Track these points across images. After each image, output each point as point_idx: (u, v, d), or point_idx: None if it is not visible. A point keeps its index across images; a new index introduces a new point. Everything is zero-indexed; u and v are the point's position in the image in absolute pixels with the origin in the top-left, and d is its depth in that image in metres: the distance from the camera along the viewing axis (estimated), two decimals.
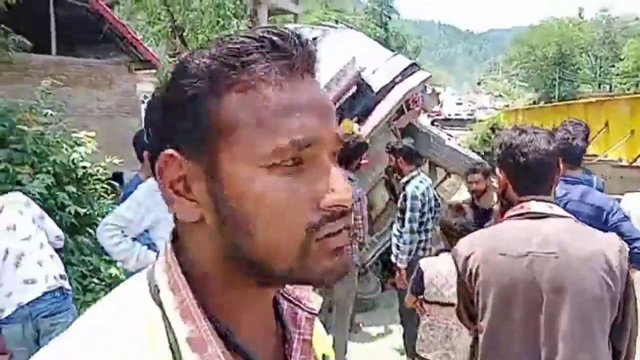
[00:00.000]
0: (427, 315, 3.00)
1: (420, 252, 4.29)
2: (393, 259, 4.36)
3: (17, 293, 2.80)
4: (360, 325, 5.17)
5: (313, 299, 0.66)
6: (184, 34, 13.47)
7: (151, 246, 2.67)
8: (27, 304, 2.80)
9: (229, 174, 0.52)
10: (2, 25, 4.49)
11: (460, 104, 43.93)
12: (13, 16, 5.92)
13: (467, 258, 1.60)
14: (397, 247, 4.28)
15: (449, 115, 31.77)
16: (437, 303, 2.91)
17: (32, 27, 7.54)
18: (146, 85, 10.74)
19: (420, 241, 4.28)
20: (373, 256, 5.70)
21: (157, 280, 0.55)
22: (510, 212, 1.61)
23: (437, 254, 3.06)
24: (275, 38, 0.53)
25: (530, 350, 1.49)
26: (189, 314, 0.53)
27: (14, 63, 5.01)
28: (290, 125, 0.52)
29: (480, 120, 24.94)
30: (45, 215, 3.21)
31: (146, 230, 2.66)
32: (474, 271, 1.57)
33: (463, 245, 1.67)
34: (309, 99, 0.53)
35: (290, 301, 0.65)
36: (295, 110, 0.52)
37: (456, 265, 1.66)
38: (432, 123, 6.52)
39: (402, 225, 4.24)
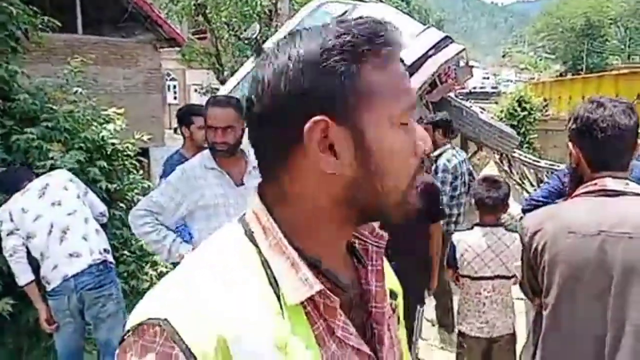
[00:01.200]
0: (462, 289, 2.99)
1: (452, 226, 4.24)
2: None
3: (62, 266, 2.84)
4: None
5: (379, 233, 0.74)
6: (207, 11, 13.38)
7: (186, 238, 2.57)
8: (72, 276, 2.83)
9: (371, 133, 0.62)
10: (30, 6, 4.45)
11: (487, 78, 43.10)
12: None
13: (535, 234, 1.52)
14: None
15: (474, 88, 31.18)
16: (468, 277, 2.88)
17: (58, 7, 7.55)
18: (170, 63, 10.74)
19: (451, 215, 4.23)
20: None
21: (249, 225, 0.66)
22: (582, 189, 1.52)
23: (471, 228, 3.01)
24: (389, 28, 0.65)
25: (595, 332, 1.42)
26: (280, 249, 0.63)
27: (42, 43, 4.99)
28: (407, 93, 0.65)
29: (505, 93, 24.46)
30: (89, 191, 3.24)
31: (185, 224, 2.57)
32: (540, 248, 1.50)
33: (531, 220, 1.59)
34: (404, 72, 0.66)
35: (358, 238, 0.73)
36: (404, 82, 0.65)
37: (522, 240, 1.58)
38: (456, 96, 6.39)
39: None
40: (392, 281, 0.80)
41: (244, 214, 0.69)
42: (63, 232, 2.88)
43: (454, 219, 4.25)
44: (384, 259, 0.76)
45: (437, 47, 5.17)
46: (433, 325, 4.62)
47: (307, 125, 0.60)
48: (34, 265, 2.93)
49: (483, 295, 2.83)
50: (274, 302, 0.60)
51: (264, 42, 10.35)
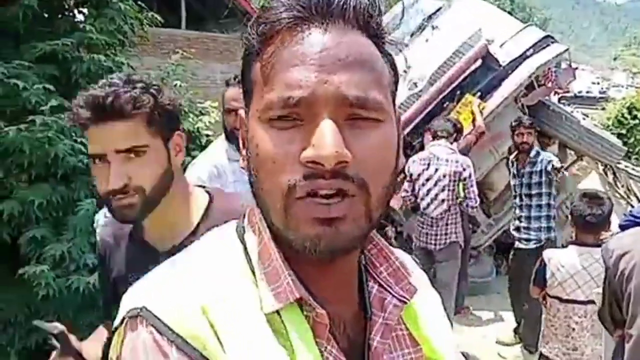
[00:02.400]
0: (549, 310, 2.80)
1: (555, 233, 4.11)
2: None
3: None
4: (470, 308, 4.98)
5: (409, 285, 0.62)
6: None
7: None
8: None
9: (249, 129, 0.56)
10: (138, 2, 4.75)
11: (598, 82, 40.26)
12: None
13: (621, 257, 1.39)
14: (527, 227, 4.09)
15: (579, 92, 29.21)
16: (558, 299, 2.69)
17: (163, 3, 8.00)
18: None
19: (553, 218, 4.14)
20: (489, 239, 5.42)
21: (244, 222, 0.61)
22: None
23: (566, 246, 2.81)
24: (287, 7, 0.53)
25: None
26: (267, 251, 0.56)
27: (147, 37, 5.31)
28: (282, 80, 0.51)
29: (615, 99, 22.70)
30: None
31: None
32: (627, 272, 1.36)
33: (617, 241, 1.46)
34: (312, 51, 0.51)
35: (380, 285, 0.62)
36: (291, 65, 0.51)
37: (605, 263, 1.45)
38: (559, 100, 5.98)
39: (540, 204, 4.06)
40: (437, 349, 0.65)
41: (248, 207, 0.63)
42: None
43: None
44: (425, 318, 0.64)
45: (537, 47, 4.88)
46: (511, 344, 4.40)
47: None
48: None
49: (573, 319, 2.63)
50: (262, 304, 0.54)
51: None
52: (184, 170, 2.26)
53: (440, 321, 0.70)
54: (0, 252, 3.58)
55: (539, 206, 4.03)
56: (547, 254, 2.76)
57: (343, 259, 0.56)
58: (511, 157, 4.31)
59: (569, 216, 2.78)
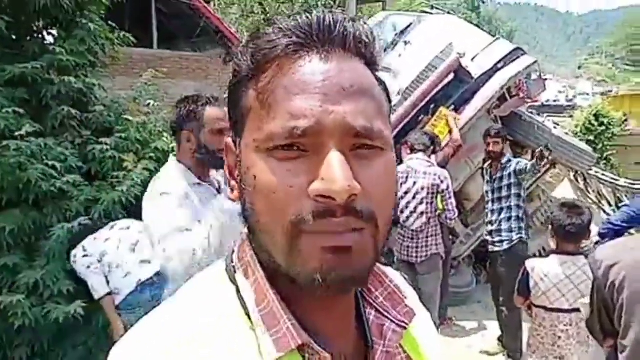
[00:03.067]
0: (534, 319, 2.81)
1: (526, 232, 4.18)
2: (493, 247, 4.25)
3: (134, 272, 2.93)
4: (454, 319, 5.00)
5: (407, 309, 0.60)
6: None
7: None
8: (146, 281, 2.94)
9: (242, 158, 0.53)
10: (109, 22, 4.69)
11: (563, 91, 41.36)
12: (118, 12, 6.25)
13: (611, 267, 1.39)
14: (499, 230, 4.14)
15: (547, 101, 29.93)
16: (543, 308, 2.71)
17: (136, 23, 7.94)
18: None
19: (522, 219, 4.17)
20: (468, 248, 5.46)
21: (234, 260, 0.57)
22: None
23: (547, 255, 2.83)
24: (291, 22, 0.52)
25: None
26: (262, 292, 0.53)
27: (118, 57, 5.24)
28: (286, 110, 0.49)
29: (581, 107, 23.30)
30: None
31: None
32: (617, 283, 1.37)
33: (606, 252, 1.46)
34: (315, 80, 0.50)
35: (377, 310, 0.61)
36: (294, 93, 0.49)
37: (594, 273, 1.45)
38: (527, 110, 6.10)
39: (510, 206, 4.12)
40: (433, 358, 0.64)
41: (236, 244, 0.59)
42: (133, 245, 2.98)
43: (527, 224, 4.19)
44: (420, 341, 0.63)
45: (507, 59, 4.98)
46: (496, 354, 4.42)
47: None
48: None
49: (559, 328, 2.65)
50: (256, 356, 0.50)
51: None
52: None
53: (434, 340, 0.68)
54: None
55: (509, 208, 4.11)
56: (530, 263, 2.78)
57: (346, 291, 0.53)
58: (485, 165, 4.38)
59: (549, 226, 2.81)
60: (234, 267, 0.56)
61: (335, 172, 0.47)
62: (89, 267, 3.02)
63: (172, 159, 2.11)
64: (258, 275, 0.54)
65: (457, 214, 4.08)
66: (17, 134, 3.39)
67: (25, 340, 3.39)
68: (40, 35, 4.44)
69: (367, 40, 0.53)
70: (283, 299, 0.52)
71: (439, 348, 0.69)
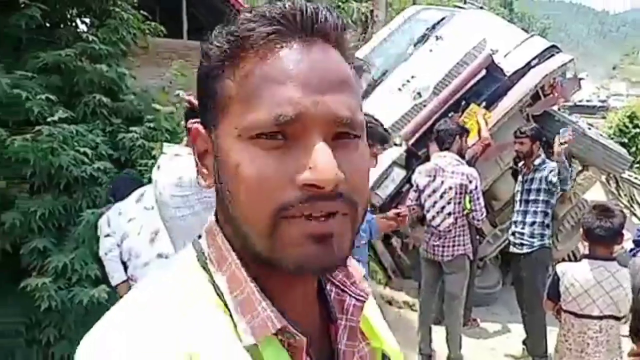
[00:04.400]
0: (563, 325, 2.74)
1: (550, 240, 4.10)
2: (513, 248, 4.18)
3: (153, 264, 2.95)
4: (478, 320, 4.93)
5: (362, 284, 0.63)
6: None
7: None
8: None
9: (220, 145, 0.53)
10: (141, 12, 4.73)
11: (598, 91, 40.45)
12: (150, 3, 6.32)
13: None
14: (521, 232, 4.05)
15: (579, 101, 29.26)
16: (573, 313, 2.64)
17: (166, 14, 8.01)
18: None
19: (547, 226, 4.08)
20: (495, 249, 5.37)
21: (203, 246, 0.57)
22: None
23: (579, 260, 2.76)
24: (271, 10, 0.52)
25: None
26: (237, 279, 0.53)
27: (149, 47, 5.30)
28: (272, 97, 0.49)
29: (615, 108, 22.73)
30: None
31: None
32: None
33: None
34: (298, 69, 0.50)
35: (336, 286, 0.62)
36: (279, 81, 0.50)
37: (633, 280, 1.40)
38: (559, 109, 5.94)
39: (536, 210, 4.02)
40: (387, 342, 0.67)
41: (199, 235, 0.59)
42: (153, 234, 2.99)
43: (552, 232, 4.08)
44: (372, 317, 0.66)
45: (542, 56, 4.85)
46: (520, 358, 4.35)
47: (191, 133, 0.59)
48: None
49: (588, 335, 2.57)
50: (241, 338, 0.51)
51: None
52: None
53: (380, 317, 0.71)
54: (2, 263, 3.54)
55: (535, 213, 4.02)
56: (561, 267, 2.71)
57: None
58: (520, 164, 4.31)
59: (580, 228, 2.74)
60: (203, 254, 0.56)
61: (323, 162, 0.48)
62: (107, 253, 3.03)
63: (188, 150, 2.05)
64: (232, 262, 0.54)
65: (484, 215, 4.00)
66: (49, 119, 3.45)
67: (52, 322, 3.46)
68: (73, 24, 4.51)
69: (341, 30, 0.54)
70: (253, 279, 0.53)
71: (384, 325, 0.71)
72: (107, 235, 3.06)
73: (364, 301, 0.61)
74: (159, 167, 2.18)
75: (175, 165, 2.03)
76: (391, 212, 2.98)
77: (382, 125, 2.72)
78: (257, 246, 0.51)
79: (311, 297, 0.60)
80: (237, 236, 0.54)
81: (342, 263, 0.54)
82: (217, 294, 0.53)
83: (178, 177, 1.96)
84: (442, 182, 3.89)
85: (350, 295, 0.61)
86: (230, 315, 0.51)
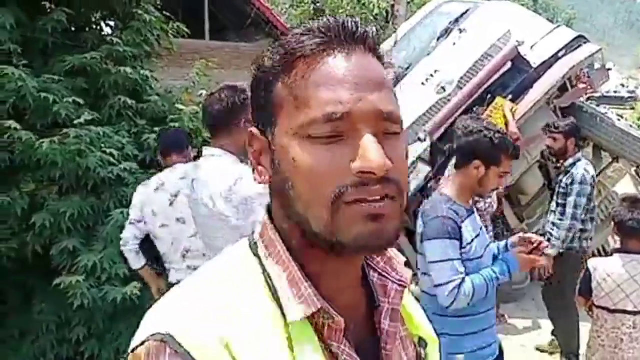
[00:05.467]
0: (596, 321, 2.68)
1: (584, 243, 3.90)
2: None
3: (172, 227, 2.92)
4: (506, 316, 4.85)
5: (403, 271, 0.69)
6: (325, 15, 13.60)
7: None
8: None
9: (278, 144, 0.60)
10: (164, 13, 4.77)
11: (626, 83, 39.45)
12: (172, 4, 6.38)
13: None
14: (550, 233, 3.91)
15: (607, 92, 28.59)
16: (606, 309, 2.57)
17: (189, 14, 8.07)
18: None
19: (581, 230, 3.86)
20: None
21: (256, 238, 0.65)
22: None
23: (611, 254, 2.69)
24: (318, 25, 0.60)
25: None
26: (284, 263, 0.60)
27: (172, 48, 5.33)
28: (323, 98, 0.57)
29: None
30: None
31: None
32: None
33: None
34: (345, 73, 0.57)
35: (379, 273, 0.69)
36: (327, 84, 0.57)
37: None
38: (586, 100, 5.80)
39: (564, 212, 3.83)
40: (424, 328, 0.75)
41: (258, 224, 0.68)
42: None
43: (583, 235, 3.88)
44: (410, 304, 0.72)
45: (569, 47, 4.74)
46: (551, 352, 4.26)
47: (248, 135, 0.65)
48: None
49: (622, 330, 2.51)
50: (278, 318, 0.58)
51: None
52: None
53: (412, 300, 0.77)
54: (33, 263, 3.61)
55: (562, 214, 3.86)
56: (592, 263, 2.64)
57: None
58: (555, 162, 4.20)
59: (612, 221, 2.67)
60: (256, 243, 0.64)
61: (372, 151, 0.56)
62: (125, 245, 3.03)
63: (222, 152, 2.10)
64: (280, 250, 0.61)
65: (494, 205, 3.91)
66: (76, 122, 3.50)
67: (82, 321, 3.52)
68: (98, 27, 4.56)
69: (378, 40, 0.63)
70: (302, 267, 0.60)
71: (421, 312, 0.77)
72: (133, 223, 3.03)
73: (405, 286, 0.68)
74: (197, 166, 2.24)
75: (220, 170, 2.06)
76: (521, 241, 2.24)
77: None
78: (318, 229, 0.58)
79: (356, 282, 0.66)
80: (298, 223, 0.60)
81: (393, 243, 0.60)
82: (265, 278, 0.61)
83: (228, 190, 1.98)
84: None
85: (392, 281, 0.68)
86: (275, 297, 0.59)
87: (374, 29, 0.63)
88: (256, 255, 0.63)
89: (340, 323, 0.59)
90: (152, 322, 0.57)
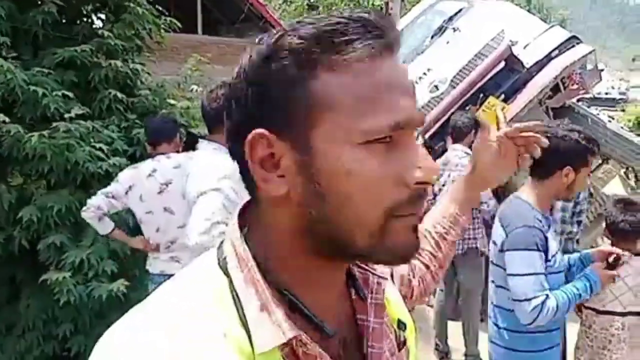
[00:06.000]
0: (584, 321, 2.69)
1: (569, 245, 3.90)
2: None
3: (158, 215, 2.92)
4: None
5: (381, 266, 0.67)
6: (319, 11, 13.58)
7: None
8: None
9: (321, 150, 0.53)
10: (156, 7, 4.72)
11: (619, 83, 39.67)
12: None
13: None
14: None
15: (598, 93, 28.77)
16: (594, 310, 2.57)
17: (181, 8, 8.01)
18: None
19: (569, 232, 3.87)
20: None
21: (225, 253, 0.58)
22: None
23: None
24: (372, 17, 0.54)
25: None
26: (254, 284, 0.55)
27: (164, 42, 5.29)
28: (388, 104, 0.53)
29: (635, 101, 22.34)
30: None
31: None
32: None
33: None
34: (403, 80, 0.55)
35: (359, 267, 0.66)
36: (392, 90, 0.53)
37: None
38: (577, 101, 5.82)
39: (551, 214, 3.85)
40: (401, 310, 0.74)
41: (225, 238, 0.60)
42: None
43: (573, 237, 3.89)
44: (389, 290, 0.70)
45: (562, 47, 4.76)
46: None
47: (247, 139, 0.55)
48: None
49: (610, 332, 2.51)
50: (246, 345, 0.52)
51: None
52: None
53: (399, 296, 0.76)
54: (20, 258, 3.57)
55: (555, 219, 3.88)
56: None
57: None
58: None
59: (603, 223, 2.67)
60: (225, 259, 0.57)
61: (429, 160, 0.55)
62: (84, 211, 3.00)
63: (218, 146, 2.16)
64: (252, 269, 0.55)
65: (493, 205, 3.93)
66: (66, 116, 3.46)
67: (68, 317, 3.49)
68: (89, 19, 4.51)
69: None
70: (283, 279, 0.56)
71: (398, 296, 0.76)
72: (107, 195, 3.00)
73: (386, 279, 0.66)
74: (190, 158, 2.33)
75: (212, 166, 2.10)
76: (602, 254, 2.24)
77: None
78: (363, 243, 0.54)
79: (340, 279, 0.64)
80: (330, 238, 0.55)
81: None
82: (235, 301, 0.54)
83: (225, 197, 2.03)
84: (449, 175, 3.86)
85: (372, 274, 0.66)
86: (243, 322, 0.53)
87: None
88: (225, 273, 0.56)
89: (314, 350, 0.54)
90: (104, 351, 0.53)
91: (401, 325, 0.70)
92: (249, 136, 0.54)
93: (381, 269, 0.67)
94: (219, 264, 0.58)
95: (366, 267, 0.66)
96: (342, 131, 0.52)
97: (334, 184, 0.53)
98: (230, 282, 0.56)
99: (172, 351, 0.50)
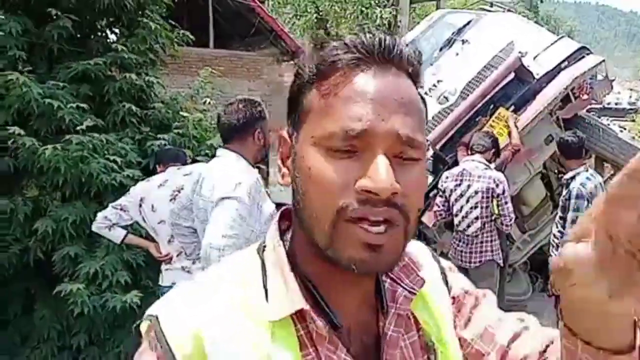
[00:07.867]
0: None
1: None
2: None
3: (168, 223, 2.92)
4: None
5: (418, 278, 0.68)
6: (328, 25, 13.68)
7: None
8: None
9: (298, 149, 0.61)
10: (169, 21, 4.79)
11: (629, 96, 39.41)
12: (177, 12, 6.42)
13: None
14: (557, 248, 3.88)
15: (608, 104, 28.58)
16: None
17: (193, 22, 8.10)
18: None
19: None
20: (524, 255, 5.25)
21: (265, 243, 0.67)
22: None
23: None
24: (354, 40, 0.59)
25: None
26: (280, 267, 0.62)
27: (177, 56, 5.36)
28: (345, 113, 0.57)
29: None
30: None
31: None
32: None
33: None
34: (372, 91, 0.57)
35: (392, 279, 0.69)
36: (353, 101, 0.57)
37: None
38: (587, 112, 5.77)
39: (564, 227, 3.82)
40: (442, 332, 0.71)
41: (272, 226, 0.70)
42: (176, 192, 2.94)
43: None
44: (435, 305, 0.71)
45: (572, 58, 4.75)
46: None
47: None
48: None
49: None
50: (262, 314, 0.60)
51: None
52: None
53: (444, 296, 0.75)
54: (34, 270, 3.61)
55: (563, 228, 3.83)
56: None
57: None
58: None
59: None
60: (264, 246, 0.67)
61: (381, 173, 0.55)
62: (98, 227, 3.07)
63: (235, 155, 2.24)
64: (280, 255, 0.63)
65: (513, 219, 3.92)
66: (79, 128, 3.51)
67: (83, 328, 3.51)
68: (103, 34, 4.58)
69: (415, 61, 0.61)
70: (315, 273, 0.62)
71: (448, 300, 0.75)
72: (118, 208, 3.07)
73: (415, 293, 0.67)
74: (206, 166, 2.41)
75: (226, 174, 2.18)
76: None
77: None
78: (319, 240, 0.58)
79: (368, 287, 0.66)
80: (304, 229, 0.61)
81: (390, 269, 0.63)
82: (263, 279, 0.63)
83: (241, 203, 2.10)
84: (469, 186, 3.84)
85: (402, 287, 0.67)
86: (266, 296, 0.61)
87: (413, 50, 0.61)
88: (260, 257, 0.65)
89: (322, 329, 0.59)
90: (154, 305, 0.62)
91: (430, 345, 0.70)
92: (278, 135, 0.66)
93: (414, 284, 0.67)
94: (258, 250, 0.67)
95: (397, 281, 0.68)
96: (311, 133, 0.59)
97: (301, 181, 0.60)
98: (263, 263, 0.64)
99: (192, 314, 0.59)
